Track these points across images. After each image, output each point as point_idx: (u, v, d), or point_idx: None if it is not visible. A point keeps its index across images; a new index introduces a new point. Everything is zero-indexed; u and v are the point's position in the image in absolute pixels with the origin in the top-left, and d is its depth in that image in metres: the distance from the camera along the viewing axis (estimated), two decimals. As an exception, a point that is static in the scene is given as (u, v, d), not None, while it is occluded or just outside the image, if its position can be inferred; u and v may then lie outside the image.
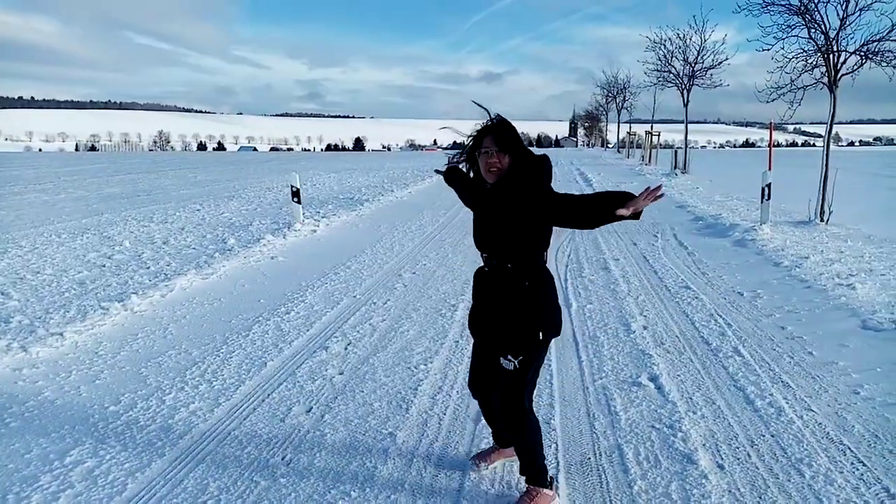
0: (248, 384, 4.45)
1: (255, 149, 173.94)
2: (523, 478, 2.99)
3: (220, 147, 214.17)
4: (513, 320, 2.74)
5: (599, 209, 2.48)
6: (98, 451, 3.48)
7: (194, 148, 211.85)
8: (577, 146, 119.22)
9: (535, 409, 3.04)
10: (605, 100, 51.46)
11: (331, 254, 9.07)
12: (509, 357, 2.74)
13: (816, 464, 3.27)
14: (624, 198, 2.43)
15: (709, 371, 4.57)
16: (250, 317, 6.06)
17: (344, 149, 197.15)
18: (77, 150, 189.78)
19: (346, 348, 5.14)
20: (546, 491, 2.93)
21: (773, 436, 3.58)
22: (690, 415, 3.87)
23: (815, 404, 3.98)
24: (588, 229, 2.73)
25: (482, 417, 3.40)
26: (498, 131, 2.73)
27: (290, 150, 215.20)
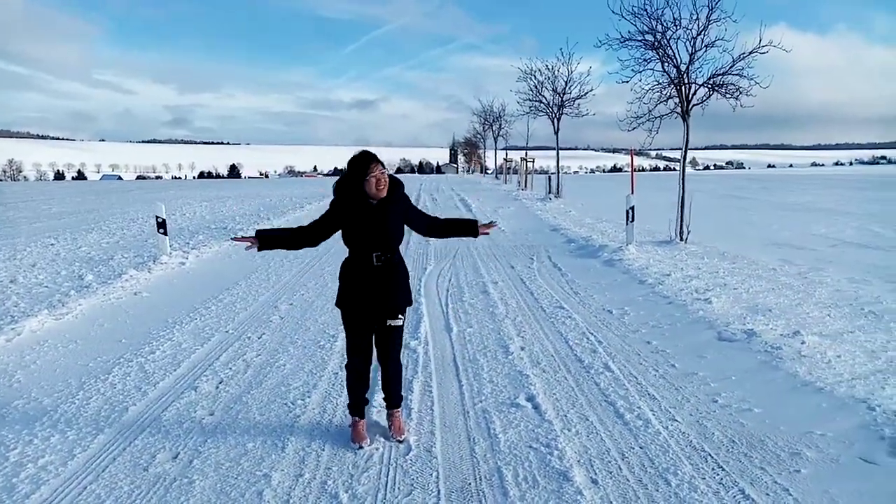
0: (106, 432, 4.09)
1: (119, 177, 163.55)
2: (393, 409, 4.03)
3: (81, 176, 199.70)
4: (397, 291, 3.82)
5: (452, 229, 4.08)
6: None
7: (51, 177, 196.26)
8: (457, 172, 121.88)
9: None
10: (482, 127, 52.99)
11: (201, 287, 8.62)
12: (399, 316, 3.86)
13: (681, 472, 3.44)
14: (472, 225, 4.05)
15: (582, 388, 4.73)
16: (110, 358, 5.61)
17: (218, 176, 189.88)
18: None
19: (217, 387, 4.86)
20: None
21: (641, 447, 3.75)
22: (566, 432, 3.97)
23: (678, 414, 4.21)
24: (433, 238, 4.17)
25: (351, 409, 3.98)
26: (378, 159, 3.68)
27: (158, 178, 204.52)
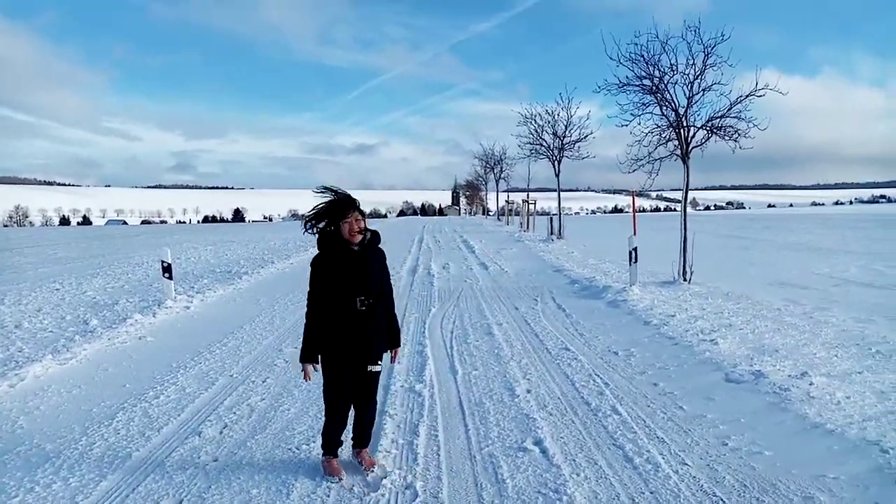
0: (109, 479, 4.05)
1: (124, 222, 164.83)
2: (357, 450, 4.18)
3: (86, 221, 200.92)
4: (378, 335, 3.95)
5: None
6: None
7: (56, 222, 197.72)
8: (459, 214, 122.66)
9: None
10: (483, 170, 53.55)
11: (206, 331, 8.61)
12: (378, 363, 3.99)
13: (693, 517, 3.38)
14: (394, 338, 4.13)
15: (590, 431, 4.68)
16: (114, 404, 5.58)
17: (222, 220, 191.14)
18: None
19: (221, 432, 4.82)
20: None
21: (652, 492, 3.69)
22: (574, 477, 3.92)
23: (688, 458, 4.16)
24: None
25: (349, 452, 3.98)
26: (358, 206, 3.83)
27: (163, 222, 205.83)
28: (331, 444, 4.10)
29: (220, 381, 6.22)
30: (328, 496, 3.75)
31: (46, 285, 14.22)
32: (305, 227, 3.95)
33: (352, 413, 4.13)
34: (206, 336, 8.27)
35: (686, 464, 4.06)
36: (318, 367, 3.95)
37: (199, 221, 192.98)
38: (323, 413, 4.15)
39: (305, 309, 3.96)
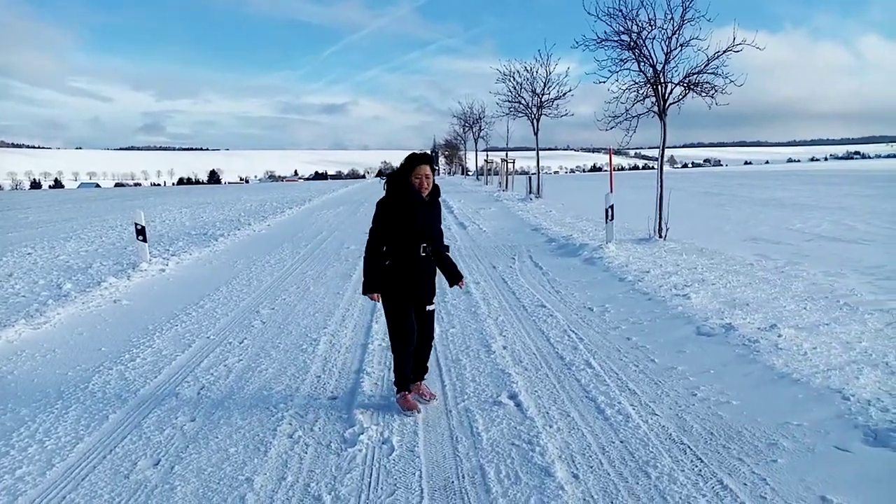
0: (86, 441, 4.06)
1: (97, 185, 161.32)
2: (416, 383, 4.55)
3: (58, 184, 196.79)
4: (433, 279, 4.40)
5: (443, 266, 4.49)
6: None
7: (27, 186, 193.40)
8: (439, 174, 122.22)
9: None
10: (462, 129, 53.10)
11: (182, 293, 8.56)
12: (434, 301, 4.43)
13: (661, 464, 3.49)
14: (455, 276, 4.51)
15: (563, 385, 4.77)
16: (90, 367, 5.56)
17: (198, 182, 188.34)
18: None
19: (198, 393, 4.84)
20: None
21: (622, 441, 3.79)
22: (547, 429, 4.00)
23: (658, 408, 4.26)
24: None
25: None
26: (430, 161, 4.25)
27: (137, 185, 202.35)
28: (403, 379, 4.40)
29: (197, 342, 6.21)
30: (306, 453, 3.80)
31: (18, 250, 14.00)
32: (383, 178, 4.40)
33: None
34: (182, 298, 8.22)
35: (656, 414, 4.17)
36: (379, 295, 4.27)
37: (174, 184, 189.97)
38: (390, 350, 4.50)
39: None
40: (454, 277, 4.51)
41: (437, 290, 4.47)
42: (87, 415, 4.48)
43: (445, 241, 4.50)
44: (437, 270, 4.48)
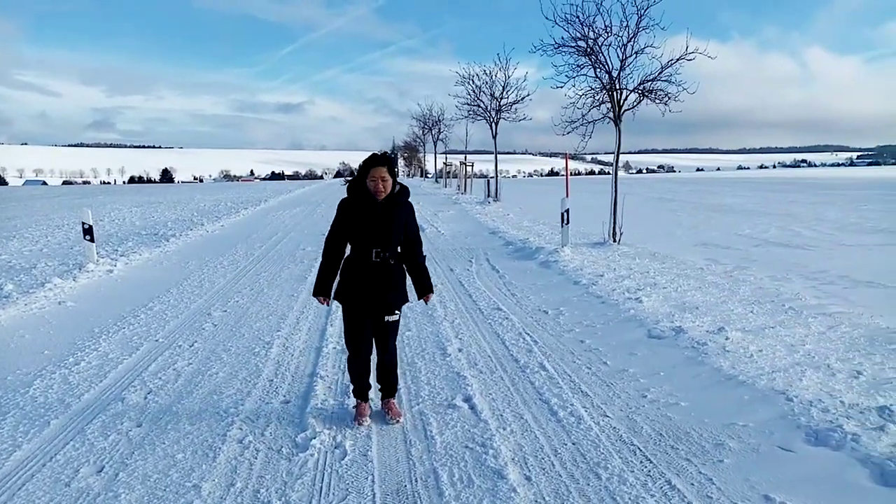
0: (25, 448, 3.91)
1: (44, 182, 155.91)
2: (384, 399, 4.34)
3: (1, 181, 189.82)
4: (394, 288, 4.08)
5: (414, 274, 4.23)
6: None
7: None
8: (398, 176, 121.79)
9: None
10: (421, 132, 53.02)
11: (130, 295, 8.33)
12: (395, 312, 4.12)
13: (611, 465, 3.54)
14: (425, 287, 4.24)
15: (517, 387, 4.80)
16: (31, 371, 5.35)
17: (150, 181, 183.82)
18: None
19: (145, 398, 4.70)
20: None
21: (574, 443, 3.83)
22: (501, 431, 4.02)
23: (609, 410, 4.32)
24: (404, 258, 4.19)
25: (351, 389, 4.28)
26: (387, 162, 4.02)
27: (86, 182, 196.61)
28: (355, 388, 4.31)
29: (145, 346, 6.05)
30: (256, 458, 3.73)
31: (-44, 249, 13.41)
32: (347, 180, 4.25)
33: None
34: (130, 300, 8.00)
35: (607, 415, 4.22)
36: (331, 300, 4.15)
37: (124, 182, 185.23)
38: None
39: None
40: (422, 290, 4.23)
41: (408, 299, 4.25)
42: (27, 420, 4.32)
43: None
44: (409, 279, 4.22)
